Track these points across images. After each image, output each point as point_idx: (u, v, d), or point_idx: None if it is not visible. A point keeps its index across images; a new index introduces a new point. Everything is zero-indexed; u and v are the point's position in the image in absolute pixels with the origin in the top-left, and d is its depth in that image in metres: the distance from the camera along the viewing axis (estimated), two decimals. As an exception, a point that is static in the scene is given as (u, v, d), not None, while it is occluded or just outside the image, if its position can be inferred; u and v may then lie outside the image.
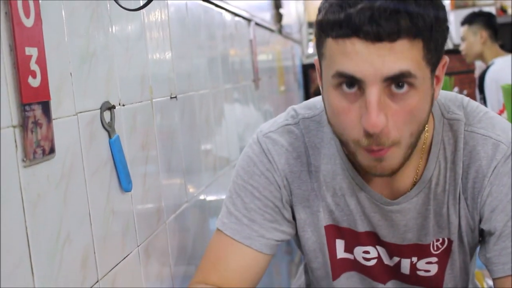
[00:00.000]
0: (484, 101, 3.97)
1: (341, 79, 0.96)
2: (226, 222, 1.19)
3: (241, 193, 1.19)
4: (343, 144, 1.05)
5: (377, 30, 0.90)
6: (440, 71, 1.03)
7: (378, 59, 0.92)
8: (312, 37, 6.12)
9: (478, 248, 1.20)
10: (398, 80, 0.94)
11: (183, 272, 1.35)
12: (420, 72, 0.95)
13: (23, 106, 0.74)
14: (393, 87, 0.95)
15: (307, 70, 5.59)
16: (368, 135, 0.96)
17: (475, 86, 4.45)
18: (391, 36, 0.91)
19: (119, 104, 1.06)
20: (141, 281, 1.11)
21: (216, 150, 1.79)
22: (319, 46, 1.01)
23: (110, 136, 1.00)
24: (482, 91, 4.03)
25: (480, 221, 1.13)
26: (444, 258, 1.18)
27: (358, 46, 0.92)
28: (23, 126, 0.74)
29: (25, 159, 0.74)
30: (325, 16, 0.96)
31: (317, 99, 1.22)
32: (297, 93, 4.87)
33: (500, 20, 4.87)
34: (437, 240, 1.16)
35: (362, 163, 1.03)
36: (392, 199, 1.14)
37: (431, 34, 0.94)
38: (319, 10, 0.99)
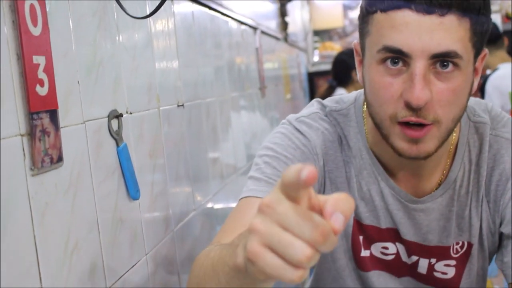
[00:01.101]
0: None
1: (387, 54, 0.97)
2: (254, 188, 1.07)
3: (273, 162, 1.10)
4: (378, 126, 1.04)
5: (428, 3, 0.92)
6: (479, 63, 1.04)
7: (427, 33, 0.93)
8: (318, 45, 6.13)
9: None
10: (444, 58, 0.95)
11: (190, 269, 1.34)
12: (465, 54, 0.96)
13: (31, 114, 0.74)
14: (438, 66, 0.96)
15: (313, 78, 5.59)
16: (409, 107, 0.96)
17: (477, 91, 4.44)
18: (442, 9, 0.92)
19: (127, 112, 1.06)
20: (149, 286, 1.10)
21: (223, 158, 1.78)
22: (363, 24, 1.01)
23: (117, 144, 1.00)
24: (483, 96, 4.02)
25: (501, 224, 1.13)
26: (462, 262, 1.17)
27: (408, 18, 0.93)
28: (31, 134, 0.74)
29: (33, 168, 0.74)
30: None
31: (344, 95, 1.22)
32: (303, 101, 4.86)
33: (506, 27, 4.85)
34: (457, 243, 1.16)
35: (397, 145, 1.01)
36: (416, 198, 1.13)
37: (478, 16, 0.95)
38: None
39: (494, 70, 3.95)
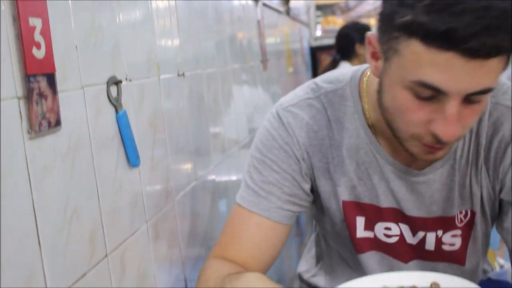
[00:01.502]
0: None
1: (422, 88, 0.93)
2: (244, 195, 1.18)
3: (259, 167, 1.17)
4: (391, 128, 1.05)
5: (478, 48, 0.86)
6: None
7: (468, 76, 0.89)
8: (320, 19, 6.09)
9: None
10: (479, 95, 0.93)
11: (192, 249, 1.35)
12: (496, 82, 0.95)
13: (28, 77, 0.73)
14: (471, 98, 0.94)
15: (315, 52, 5.56)
16: (436, 137, 0.97)
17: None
18: (490, 54, 0.88)
19: (126, 79, 1.04)
20: (151, 257, 1.10)
21: (225, 129, 1.78)
22: (392, 38, 0.94)
23: (117, 111, 0.99)
24: None
25: (501, 191, 1.13)
26: (467, 230, 1.18)
27: (453, 61, 0.88)
28: (28, 97, 0.73)
29: (30, 131, 0.73)
30: (420, 17, 0.88)
31: (339, 72, 1.20)
32: (305, 76, 4.84)
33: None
34: (461, 212, 1.16)
35: (412, 151, 1.03)
36: (417, 171, 1.13)
37: None
38: (408, 3, 0.90)
39: None
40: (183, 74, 1.38)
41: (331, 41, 4.51)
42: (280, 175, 1.16)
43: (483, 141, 1.11)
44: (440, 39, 0.87)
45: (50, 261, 0.76)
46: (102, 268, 0.91)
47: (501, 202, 1.16)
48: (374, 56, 1.03)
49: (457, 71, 0.89)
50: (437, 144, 0.98)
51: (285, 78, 3.45)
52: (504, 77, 1.19)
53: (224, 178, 1.68)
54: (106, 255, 0.92)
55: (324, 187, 1.18)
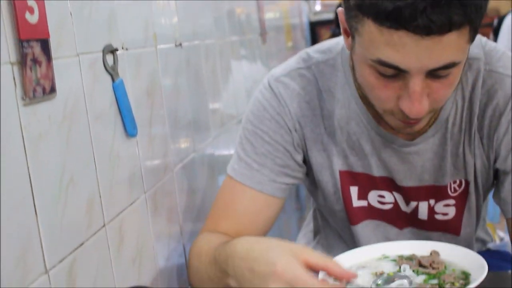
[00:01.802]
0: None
1: (382, 66, 0.92)
2: (237, 168, 1.17)
3: (251, 138, 1.17)
4: (371, 104, 1.05)
5: (428, 25, 0.84)
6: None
7: (425, 52, 0.88)
8: (320, -6, 6.04)
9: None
10: (443, 70, 0.92)
11: (191, 221, 1.34)
12: (464, 55, 0.93)
13: (21, 42, 0.72)
14: (436, 73, 0.92)
15: (315, 27, 5.52)
16: (406, 115, 0.96)
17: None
18: (442, 30, 0.86)
19: (122, 48, 1.03)
20: (149, 228, 1.10)
21: (223, 102, 1.76)
22: (351, 17, 0.94)
23: (113, 80, 0.98)
24: (496, 37, 3.95)
25: (496, 160, 1.12)
26: (461, 200, 1.17)
27: (406, 39, 0.87)
28: (22, 63, 0.72)
29: (24, 97, 0.72)
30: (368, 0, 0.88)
31: (332, 42, 1.19)
32: (305, 51, 4.80)
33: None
34: (454, 182, 1.15)
35: (390, 123, 1.04)
36: (408, 141, 1.12)
37: (481, 17, 0.89)
38: None
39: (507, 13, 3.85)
40: (181, 45, 1.36)
41: (330, 15, 4.48)
42: (272, 146, 1.15)
43: (477, 109, 1.10)
44: (389, 18, 0.86)
45: (47, 229, 0.76)
46: (100, 238, 0.90)
47: (496, 171, 1.14)
48: (346, 32, 1.01)
49: (412, 49, 0.87)
50: (410, 119, 0.98)
51: (284, 53, 3.42)
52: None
53: (222, 148, 1.67)
54: (104, 225, 0.92)
55: (316, 158, 1.18)
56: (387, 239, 1.19)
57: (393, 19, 0.86)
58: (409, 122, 1.00)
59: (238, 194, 1.17)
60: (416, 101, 0.93)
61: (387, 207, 1.20)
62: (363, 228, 1.22)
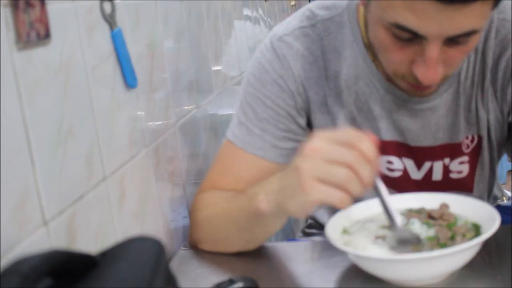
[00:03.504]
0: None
1: (399, 30, 0.88)
2: (237, 133, 1.13)
3: (252, 103, 1.12)
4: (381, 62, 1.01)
5: None
6: None
7: (446, 20, 0.84)
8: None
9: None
10: (462, 36, 0.88)
11: (194, 177, 1.31)
12: (485, 22, 0.90)
13: (13, -17, 0.68)
14: (454, 40, 0.88)
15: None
16: (418, 79, 0.92)
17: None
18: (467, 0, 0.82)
19: (120, -4, 0.99)
20: (152, 183, 1.07)
21: (226, 58, 1.72)
22: None
23: (111, 29, 0.94)
24: None
25: (509, 114, 1.08)
26: (474, 156, 1.13)
27: (428, 6, 0.82)
28: (14, 6, 0.69)
29: (18, 41, 0.69)
30: None
31: None
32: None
33: None
34: (467, 138, 1.11)
35: (401, 86, 1.01)
36: (421, 97, 1.08)
37: None
38: None
39: None
40: (181, -3, 1.32)
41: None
42: (274, 111, 1.11)
43: (490, 61, 1.05)
44: None
45: (45, 180, 0.73)
46: (100, 191, 0.88)
47: (510, 125, 1.11)
48: None
49: (434, 16, 0.83)
50: (421, 85, 0.95)
51: (287, 13, 3.37)
52: None
53: (225, 106, 1.64)
54: (104, 178, 0.89)
55: (319, 121, 1.13)
56: None
57: None
58: (420, 87, 0.97)
59: (239, 160, 1.13)
60: (432, 68, 0.89)
61: (396, 174, 1.16)
62: (369, 194, 1.19)
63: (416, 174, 1.15)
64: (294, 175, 0.84)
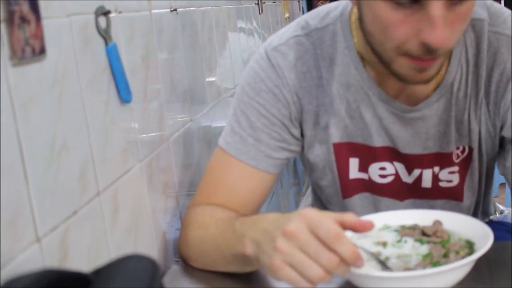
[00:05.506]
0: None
1: None
2: (230, 141, 1.13)
3: (247, 111, 1.12)
4: (377, 53, 0.99)
5: None
6: None
7: None
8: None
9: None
10: None
11: (188, 192, 1.31)
12: None
13: (8, -1, 0.68)
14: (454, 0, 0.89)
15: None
16: (426, 47, 0.90)
17: None
18: None
19: (115, 11, 0.99)
20: (145, 198, 1.07)
21: (220, 71, 1.73)
22: None
23: (106, 43, 0.94)
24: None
25: (502, 128, 1.08)
26: (464, 167, 1.14)
27: None
28: (9, 21, 0.68)
29: (13, 57, 0.69)
30: None
31: (330, 6, 1.15)
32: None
33: None
34: (458, 148, 1.12)
35: (400, 72, 0.98)
36: (411, 106, 1.08)
37: None
38: None
39: None
40: (176, 10, 1.32)
41: (327, -13, 4.42)
42: (268, 120, 1.11)
43: (483, 73, 1.06)
44: None
45: (38, 196, 0.73)
46: (94, 206, 0.87)
47: (502, 139, 1.11)
48: None
49: None
50: (427, 55, 0.92)
51: (281, 24, 3.38)
52: None
53: (219, 118, 1.64)
54: (98, 193, 0.89)
55: (309, 131, 1.14)
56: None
57: None
58: (425, 61, 0.94)
59: (232, 169, 1.13)
60: (439, 27, 0.88)
61: (388, 179, 1.16)
62: (356, 202, 1.20)
63: (407, 178, 1.16)
64: (270, 246, 0.82)
